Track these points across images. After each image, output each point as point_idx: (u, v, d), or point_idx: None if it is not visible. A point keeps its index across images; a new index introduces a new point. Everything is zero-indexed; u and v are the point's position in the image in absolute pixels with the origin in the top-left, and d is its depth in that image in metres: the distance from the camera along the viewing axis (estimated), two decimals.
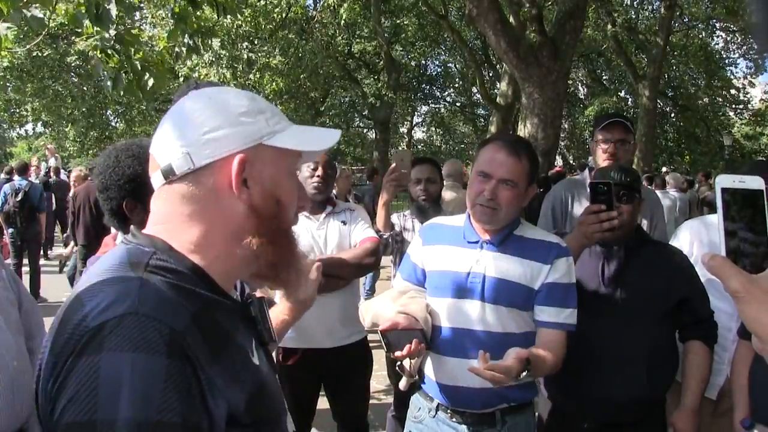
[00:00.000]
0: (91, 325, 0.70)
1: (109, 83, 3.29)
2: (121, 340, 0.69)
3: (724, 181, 0.68)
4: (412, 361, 1.73)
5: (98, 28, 3.03)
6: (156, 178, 0.84)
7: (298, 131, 0.89)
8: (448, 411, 1.73)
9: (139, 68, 3.26)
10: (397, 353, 1.56)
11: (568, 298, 1.70)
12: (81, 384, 0.67)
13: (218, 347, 0.77)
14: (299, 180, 0.95)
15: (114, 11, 2.91)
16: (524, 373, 1.54)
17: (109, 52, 3.23)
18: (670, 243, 2.28)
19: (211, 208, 0.83)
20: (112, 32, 3.16)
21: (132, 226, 0.89)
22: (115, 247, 0.90)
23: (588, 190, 1.86)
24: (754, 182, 0.67)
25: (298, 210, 0.92)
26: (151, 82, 3.26)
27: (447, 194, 3.79)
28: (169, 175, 0.82)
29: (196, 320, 0.75)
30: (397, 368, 1.77)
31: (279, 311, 1.28)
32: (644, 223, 2.58)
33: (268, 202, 0.85)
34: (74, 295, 0.78)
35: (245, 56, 10.48)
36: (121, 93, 3.34)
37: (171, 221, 0.83)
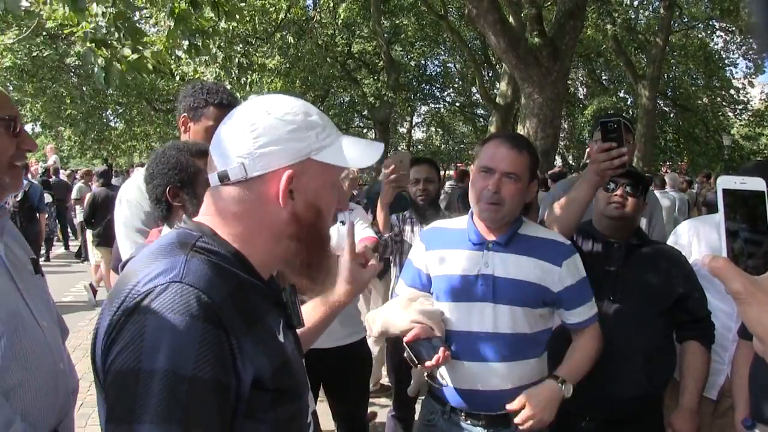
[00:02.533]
0: (142, 290, 0.82)
1: (101, 75, 3.26)
2: (165, 303, 0.79)
3: (726, 182, 0.67)
4: (438, 369, 1.73)
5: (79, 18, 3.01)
6: (212, 178, 0.94)
7: (345, 145, 0.97)
8: (463, 414, 1.72)
9: (131, 53, 3.22)
10: (428, 363, 1.57)
11: (587, 293, 1.74)
12: (130, 338, 0.79)
13: (249, 322, 0.86)
14: (340, 185, 1.02)
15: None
16: (563, 387, 1.63)
17: (106, 38, 3.20)
18: (668, 243, 2.29)
19: (257, 212, 0.92)
20: (103, 22, 3.14)
21: (184, 216, 0.99)
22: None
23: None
24: (755, 183, 0.67)
25: (337, 212, 1.03)
26: (149, 62, 3.22)
27: None
28: (224, 179, 0.92)
29: (231, 296, 0.85)
30: (426, 378, 1.75)
31: (336, 293, 1.30)
32: (643, 223, 2.59)
33: (309, 212, 0.94)
34: (130, 266, 0.91)
35: (237, 60, 10.48)
36: (116, 83, 3.30)
37: (220, 215, 0.94)
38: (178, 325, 0.78)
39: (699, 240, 2.27)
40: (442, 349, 1.58)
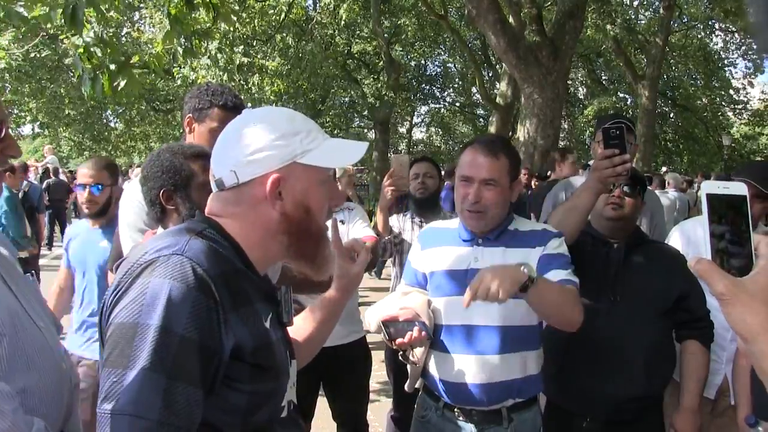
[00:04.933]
0: (148, 258, 0.94)
1: (87, 84, 3.26)
2: (166, 270, 0.91)
3: (709, 187, 0.70)
4: (415, 350, 1.75)
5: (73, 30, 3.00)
6: (212, 185, 1.07)
7: (329, 147, 1.06)
8: (455, 410, 1.74)
9: (114, 69, 3.22)
10: (399, 340, 1.60)
11: (565, 263, 1.68)
12: (133, 296, 0.90)
13: (238, 302, 0.96)
14: (331, 182, 1.11)
15: (82, 14, 2.88)
16: (524, 269, 1.42)
17: (92, 50, 3.19)
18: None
19: (251, 213, 1.03)
20: (92, 34, 3.14)
21: (197, 211, 1.09)
22: None
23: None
24: (737, 188, 0.70)
25: (332, 207, 1.11)
26: (123, 83, 3.21)
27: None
28: (220, 186, 1.04)
29: (224, 275, 0.95)
30: (400, 357, 1.78)
31: (331, 289, 1.31)
32: (644, 223, 2.59)
33: (298, 210, 1.04)
34: (143, 243, 1.05)
35: (238, 61, 10.46)
36: (96, 93, 3.30)
37: (223, 215, 1.05)
38: (175, 290, 0.89)
39: (695, 240, 2.28)
40: (416, 328, 1.60)
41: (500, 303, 1.39)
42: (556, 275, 1.66)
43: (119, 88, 3.22)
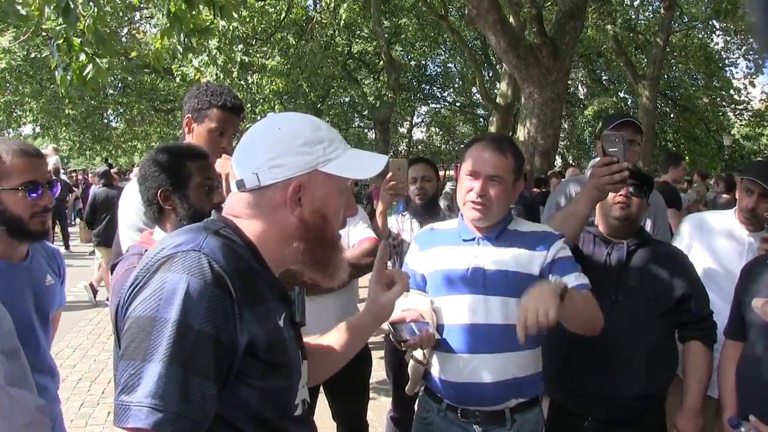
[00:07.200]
0: (166, 253, 0.96)
1: (59, 75, 3.24)
2: (184, 265, 0.93)
3: None
4: (424, 351, 1.75)
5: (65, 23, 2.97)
6: (233, 184, 1.08)
7: (351, 157, 1.08)
8: (458, 411, 1.73)
9: (84, 59, 3.18)
10: (410, 341, 1.60)
11: (573, 266, 1.71)
12: (151, 291, 0.92)
13: (252, 299, 0.97)
14: (348, 192, 1.12)
15: (75, 6, 2.87)
16: (555, 280, 1.51)
17: (72, 41, 3.17)
18: (672, 237, 2.31)
19: (270, 216, 1.05)
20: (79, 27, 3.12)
21: (213, 211, 1.11)
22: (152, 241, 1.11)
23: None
24: None
25: (347, 216, 1.12)
26: (91, 73, 3.16)
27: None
28: (241, 187, 1.04)
29: (239, 272, 0.97)
30: (406, 358, 1.78)
31: (363, 312, 1.33)
32: (648, 223, 2.59)
33: (315, 217, 1.05)
34: (163, 238, 1.07)
35: (239, 59, 10.45)
36: (66, 84, 3.28)
37: (241, 215, 1.06)
38: (193, 285, 0.90)
39: (701, 233, 2.28)
40: (425, 328, 1.60)
41: (551, 324, 1.38)
42: (571, 280, 1.67)
43: (87, 78, 3.18)
